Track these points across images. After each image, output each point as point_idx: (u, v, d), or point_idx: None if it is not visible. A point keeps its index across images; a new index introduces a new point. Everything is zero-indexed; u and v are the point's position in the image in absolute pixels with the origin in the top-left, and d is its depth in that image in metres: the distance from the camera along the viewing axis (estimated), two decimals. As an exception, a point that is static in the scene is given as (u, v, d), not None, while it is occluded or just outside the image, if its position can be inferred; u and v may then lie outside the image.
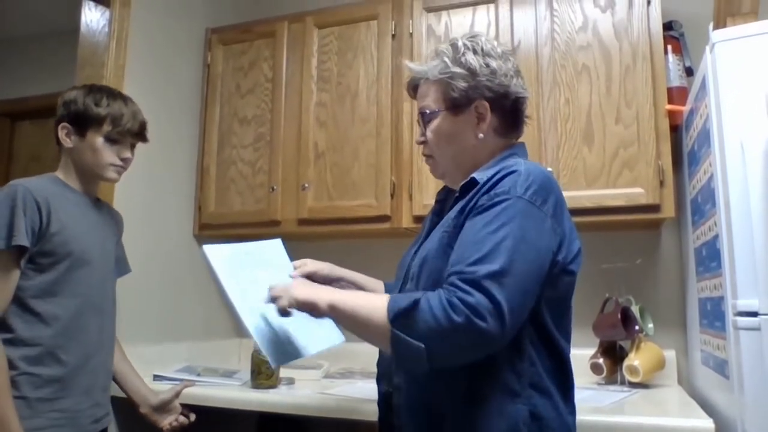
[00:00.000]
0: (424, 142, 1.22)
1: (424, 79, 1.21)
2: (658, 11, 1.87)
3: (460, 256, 0.99)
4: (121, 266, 1.68)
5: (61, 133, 1.50)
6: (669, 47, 1.94)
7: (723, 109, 1.36)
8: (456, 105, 1.16)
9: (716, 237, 1.42)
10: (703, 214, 1.59)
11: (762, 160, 1.27)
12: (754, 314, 1.25)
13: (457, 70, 1.15)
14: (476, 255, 0.97)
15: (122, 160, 1.53)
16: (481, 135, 1.16)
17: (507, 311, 0.93)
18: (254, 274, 1.25)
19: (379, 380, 1.21)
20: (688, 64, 1.97)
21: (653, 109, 1.82)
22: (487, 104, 1.15)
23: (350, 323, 1.06)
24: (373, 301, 1.04)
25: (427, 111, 1.19)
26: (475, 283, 0.93)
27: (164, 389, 1.67)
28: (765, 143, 1.27)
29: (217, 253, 1.23)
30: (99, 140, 1.48)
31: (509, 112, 1.18)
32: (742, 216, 1.29)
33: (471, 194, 1.09)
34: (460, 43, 1.18)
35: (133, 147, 1.56)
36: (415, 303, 0.95)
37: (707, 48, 1.45)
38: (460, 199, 1.13)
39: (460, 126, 1.17)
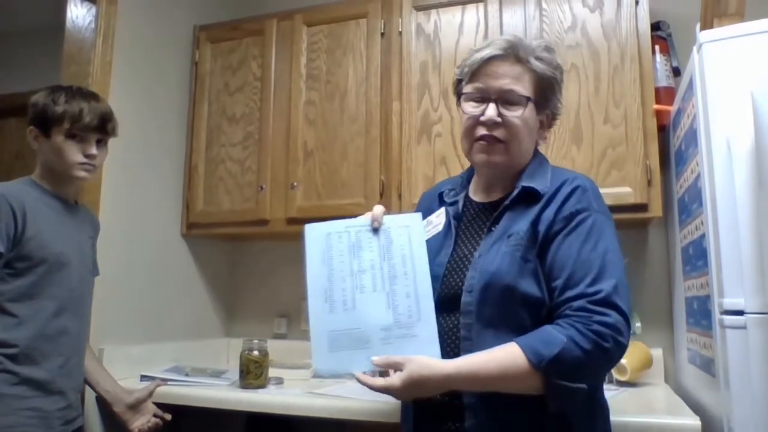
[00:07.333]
0: (498, 123, 1.14)
1: (526, 61, 1.15)
2: (646, 12, 1.88)
3: (571, 279, 1.03)
4: (93, 268, 1.66)
5: (30, 137, 1.50)
6: (657, 47, 1.95)
7: (710, 109, 1.37)
8: (541, 104, 1.19)
9: (703, 236, 1.43)
10: (690, 213, 1.60)
11: (748, 160, 1.28)
12: (740, 313, 1.26)
13: (559, 77, 1.21)
14: (591, 274, 1.02)
15: (87, 156, 1.49)
16: (540, 140, 1.23)
17: (629, 319, 1.01)
18: (357, 256, 1.15)
19: None
20: (675, 64, 1.98)
21: (641, 108, 1.83)
22: (550, 116, 1.24)
23: (487, 387, 1.02)
24: (504, 357, 0.99)
25: (523, 93, 1.14)
26: (606, 302, 0.99)
27: (138, 388, 1.66)
28: (751, 143, 1.27)
29: (314, 233, 1.15)
30: (60, 138, 1.46)
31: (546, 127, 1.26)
32: (728, 215, 1.30)
33: (540, 206, 1.11)
34: (559, 62, 1.23)
35: (99, 143, 1.52)
36: (561, 347, 0.96)
37: (694, 48, 1.46)
38: (513, 206, 1.14)
39: (536, 123, 1.20)
